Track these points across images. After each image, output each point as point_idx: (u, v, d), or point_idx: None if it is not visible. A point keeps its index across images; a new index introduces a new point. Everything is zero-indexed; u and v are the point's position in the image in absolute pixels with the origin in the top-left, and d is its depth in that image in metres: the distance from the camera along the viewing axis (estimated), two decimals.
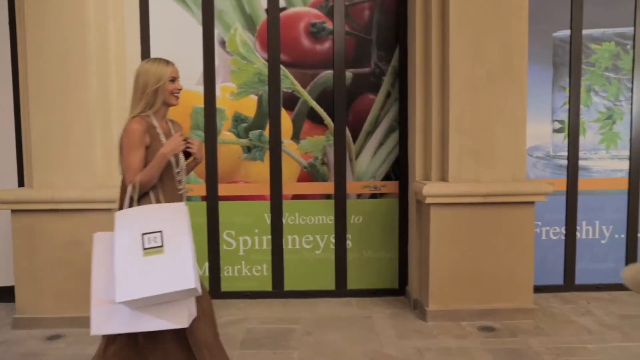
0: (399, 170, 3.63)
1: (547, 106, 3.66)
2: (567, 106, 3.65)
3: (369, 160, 3.63)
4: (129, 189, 1.98)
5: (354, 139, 3.61)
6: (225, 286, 3.66)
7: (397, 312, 3.37)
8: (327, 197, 3.63)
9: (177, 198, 2.10)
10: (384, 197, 3.65)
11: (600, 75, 3.65)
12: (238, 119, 3.59)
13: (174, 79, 2.10)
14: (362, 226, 3.66)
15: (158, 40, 3.55)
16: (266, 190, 3.61)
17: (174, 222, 1.88)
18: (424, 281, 3.23)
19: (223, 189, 3.61)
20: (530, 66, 3.56)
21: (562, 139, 3.67)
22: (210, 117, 3.56)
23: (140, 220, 1.88)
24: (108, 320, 1.87)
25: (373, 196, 3.65)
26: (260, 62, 3.57)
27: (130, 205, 1.98)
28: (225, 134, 3.60)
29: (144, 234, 1.85)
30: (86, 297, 3.08)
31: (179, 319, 1.88)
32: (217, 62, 3.57)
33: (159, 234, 1.85)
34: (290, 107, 3.60)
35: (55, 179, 3.11)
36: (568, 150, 3.66)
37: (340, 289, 3.66)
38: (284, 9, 3.55)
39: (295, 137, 3.61)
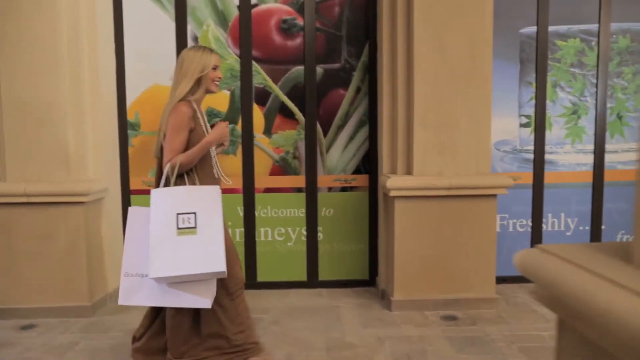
0: (368, 164, 3.71)
1: (514, 101, 3.74)
2: (533, 101, 3.74)
3: (339, 154, 3.71)
4: (167, 168, 2.07)
5: (325, 133, 3.69)
6: None
7: (365, 302, 3.46)
8: (299, 190, 3.71)
9: (212, 182, 2.21)
10: (354, 191, 3.73)
11: (566, 71, 3.73)
12: (211, 114, 3.66)
13: (215, 67, 2.21)
14: (333, 219, 3.74)
15: (132, 37, 3.60)
16: (239, 184, 3.69)
17: (207, 204, 1.99)
18: (390, 272, 3.32)
19: None
20: (498, 62, 3.65)
21: (528, 134, 3.76)
22: None
23: (175, 199, 1.98)
24: (135, 292, 2.01)
25: (344, 189, 3.73)
26: (232, 58, 3.63)
27: (166, 185, 2.07)
28: None
29: (178, 213, 1.95)
30: (59, 288, 3.17)
31: (203, 299, 2.00)
32: None
33: (192, 215, 1.96)
34: (262, 102, 3.66)
35: (28, 172, 3.17)
36: (534, 145, 3.75)
37: (312, 280, 3.75)
38: (255, 5, 3.61)
39: (267, 131, 3.68)
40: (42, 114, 3.15)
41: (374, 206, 3.71)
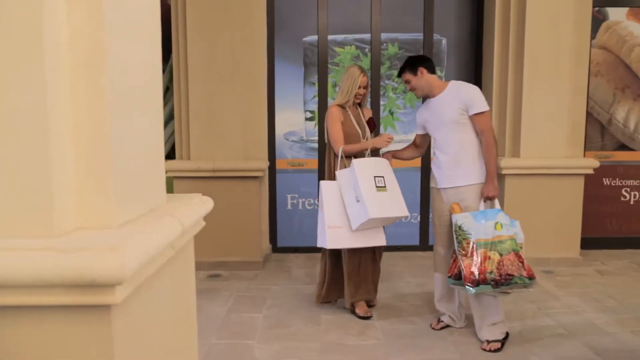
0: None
1: (300, 99, 4.41)
2: (316, 99, 4.41)
3: None
4: (340, 151, 2.91)
5: None
6: None
7: None
8: None
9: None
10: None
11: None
12: None
13: (360, 87, 3.00)
14: None
15: None
16: None
17: (387, 170, 2.86)
18: None
19: None
20: (284, 65, 4.31)
21: (313, 126, 4.43)
22: None
23: (370, 166, 2.84)
24: (338, 239, 2.79)
25: None
26: None
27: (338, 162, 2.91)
28: None
29: (375, 176, 2.80)
30: None
31: (381, 239, 2.88)
32: None
33: (382, 178, 2.79)
34: None
35: None
36: (318, 135, 4.42)
37: None
38: None
39: None
40: None
41: None
